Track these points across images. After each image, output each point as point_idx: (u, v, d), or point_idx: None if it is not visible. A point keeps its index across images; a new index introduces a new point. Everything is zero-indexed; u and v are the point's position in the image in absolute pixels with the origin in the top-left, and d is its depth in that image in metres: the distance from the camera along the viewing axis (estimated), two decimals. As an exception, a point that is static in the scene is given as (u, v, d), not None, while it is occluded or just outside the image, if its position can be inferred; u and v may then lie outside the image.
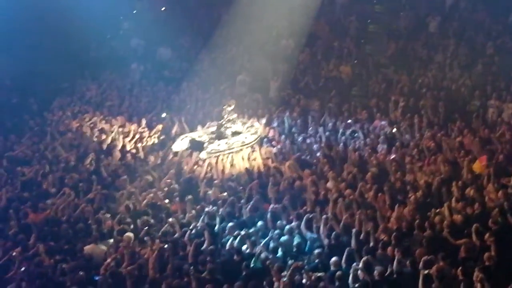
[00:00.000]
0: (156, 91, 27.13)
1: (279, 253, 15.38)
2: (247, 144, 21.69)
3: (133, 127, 23.49)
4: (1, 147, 21.85)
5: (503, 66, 25.59)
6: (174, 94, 26.80)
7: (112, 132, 22.74)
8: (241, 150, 21.45)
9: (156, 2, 33.44)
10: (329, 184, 18.39)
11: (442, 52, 27.81)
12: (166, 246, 15.13)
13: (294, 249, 15.55)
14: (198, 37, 31.43)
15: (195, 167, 20.72)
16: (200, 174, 20.19)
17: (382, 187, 17.70)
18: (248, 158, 21.02)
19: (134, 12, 33.31)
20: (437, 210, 16.34)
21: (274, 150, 21.69)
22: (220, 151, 21.23)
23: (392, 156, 19.79)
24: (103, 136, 22.43)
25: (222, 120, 22.17)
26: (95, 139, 22.30)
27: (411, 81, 26.16)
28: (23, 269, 14.75)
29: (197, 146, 21.48)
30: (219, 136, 21.83)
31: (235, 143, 21.56)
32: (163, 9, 33.46)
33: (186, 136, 22.10)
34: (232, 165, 20.79)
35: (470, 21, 29.57)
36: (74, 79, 27.69)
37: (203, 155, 21.08)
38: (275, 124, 23.83)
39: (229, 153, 21.26)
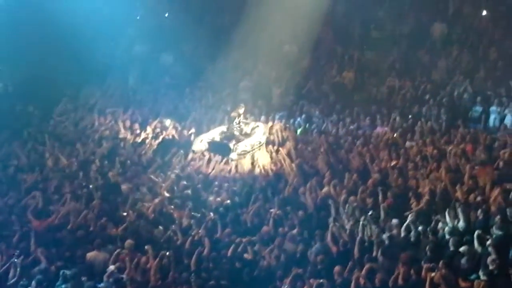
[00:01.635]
0: (159, 97, 27.11)
1: (282, 260, 15.39)
2: (263, 144, 22.16)
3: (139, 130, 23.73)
4: (5, 154, 21.82)
5: (505, 72, 25.60)
6: (177, 100, 26.77)
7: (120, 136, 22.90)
8: (259, 149, 21.95)
9: (159, 9, 33.46)
10: (328, 190, 18.42)
11: (445, 58, 27.81)
12: (167, 253, 15.13)
13: (298, 256, 15.56)
14: (201, 43, 31.41)
15: (224, 166, 21.14)
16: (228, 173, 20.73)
17: (385, 193, 17.75)
18: (271, 157, 21.59)
19: (137, 18, 33.35)
20: (439, 217, 16.34)
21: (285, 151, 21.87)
22: (248, 152, 21.64)
23: (394, 163, 19.78)
24: (108, 143, 22.43)
25: (234, 122, 22.32)
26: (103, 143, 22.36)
27: (414, 87, 26.16)
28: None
29: (218, 147, 21.79)
30: (231, 137, 22.01)
31: (255, 144, 21.94)
32: (166, 15, 33.50)
33: (202, 139, 22.21)
34: (256, 165, 21.31)
35: (473, 27, 29.57)
36: (77, 85, 27.67)
37: (233, 156, 21.33)
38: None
39: (253, 153, 21.75)
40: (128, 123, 24.17)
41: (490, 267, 14.10)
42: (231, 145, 21.53)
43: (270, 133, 23.16)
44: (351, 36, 31.04)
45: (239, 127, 22.26)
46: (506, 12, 29.15)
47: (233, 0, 33.17)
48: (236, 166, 21.10)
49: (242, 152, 21.51)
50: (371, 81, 27.40)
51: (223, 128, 22.72)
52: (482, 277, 13.89)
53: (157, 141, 22.92)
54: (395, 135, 22.29)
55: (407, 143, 21.49)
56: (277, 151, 21.87)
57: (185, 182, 19.65)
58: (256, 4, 30.09)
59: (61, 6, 27.71)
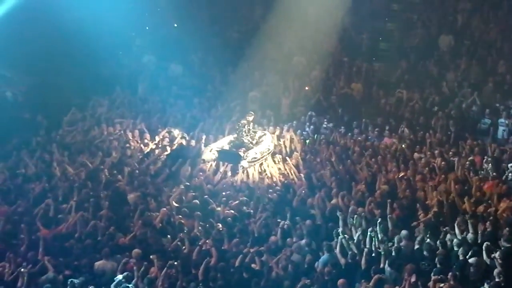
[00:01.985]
0: (168, 107, 27.14)
1: (290, 270, 15.37)
2: (271, 152, 22.35)
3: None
4: (14, 163, 21.85)
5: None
6: (185, 110, 26.79)
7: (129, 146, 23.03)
8: (268, 156, 22.18)
9: (168, 19, 33.54)
10: (336, 201, 18.42)
11: (454, 70, 27.81)
12: (175, 263, 15.13)
13: (305, 266, 15.55)
14: (209, 54, 31.47)
15: (232, 177, 21.18)
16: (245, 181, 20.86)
17: (393, 204, 17.77)
18: (279, 167, 21.63)
19: (146, 28, 33.44)
20: (448, 228, 16.34)
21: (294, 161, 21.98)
22: (258, 159, 21.82)
23: (402, 174, 19.78)
24: (116, 153, 22.45)
25: (243, 130, 22.46)
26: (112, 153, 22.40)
27: (422, 99, 26.16)
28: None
29: (228, 156, 21.91)
30: (240, 146, 22.18)
31: (264, 151, 22.12)
32: (175, 25, 33.58)
33: (212, 148, 22.37)
34: (266, 173, 21.42)
35: (481, 39, 29.56)
36: (86, 95, 27.71)
37: (244, 164, 21.47)
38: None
39: (262, 161, 21.93)
40: (136, 133, 24.17)
41: (497, 279, 14.09)
42: (241, 152, 21.65)
43: (278, 143, 23.20)
44: (359, 48, 31.05)
45: (248, 135, 22.39)
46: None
47: (242, 11, 33.33)
48: (246, 175, 21.11)
49: (253, 160, 21.66)
50: (379, 93, 27.38)
51: (231, 137, 22.80)
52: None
53: (165, 151, 22.91)
54: (403, 145, 22.30)
55: (415, 155, 21.48)
56: (285, 161, 21.89)
57: (193, 193, 19.61)
58: (265, 15, 30.23)
59: (71, 15, 27.86)
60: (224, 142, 22.72)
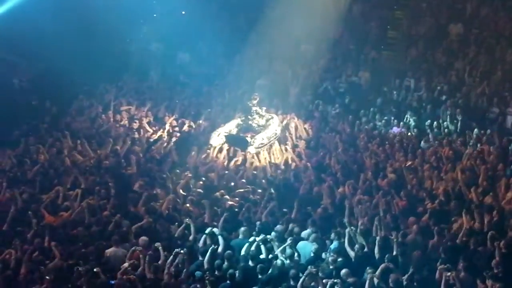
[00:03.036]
0: (175, 95, 27.11)
1: (296, 259, 15.36)
2: (278, 136, 22.41)
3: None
4: (21, 149, 21.87)
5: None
6: (193, 98, 26.77)
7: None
8: (274, 143, 22.18)
9: (176, 6, 33.46)
10: (343, 190, 18.39)
11: (462, 59, 27.72)
12: (181, 251, 15.12)
13: (312, 255, 15.53)
14: (217, 42, 31.42)
15: (250, 160, 21.28)
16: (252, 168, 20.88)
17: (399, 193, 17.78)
18: (286, 155, 21.68)
19: (154, 16, 33.39)
20: (456, 218, 16.32)
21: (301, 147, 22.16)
22: (265, 144, 21.81)
23: (409, 163, 19.74)
24: (123, 140, 22.46)
25: (250, 112, 22.68)
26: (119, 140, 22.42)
27: (430, 88, 26.08)
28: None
29: (235, 140, 22.02)
30: (247, 129, 22.43)
31: (271, 137, 22.13)
32: (183, 13, 33.51)
33: (220, 133, 22.39)
34: (273, 158, 21.57)
35: (490, 28, 29.46)
36: (93, 82, 27.70)
37: (251, 149, 21.50)
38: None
39: (270, 146, 21.97)
40: (144, 121, 24.19)
41: (495, 270, 14.10)
42: (248, 138, 21.69)
43: (285, 130, 23.19)
44: (367, 36, 30.98)
45: (254, 117, 22.51)
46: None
47: (250, -1, 33.24)
48: (251, 163, 21.08)
49: (260, 145, 21.67)
50: (387, 81, 27.31)
51: (239, 120, 22.95)
52: (487, 278, 13.84)
53: (172, 138, 22.90)
54: (408, 134, 22.25)
55: (423, 144, 21.44)
56: (293, 148, 21.90)
57: (200, 182, 19.60)
58: (273, 3, 30.11)
59: (78, 2, 27.84)
60: (231, 126, 22.78)
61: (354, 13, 32.03)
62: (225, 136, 22.15)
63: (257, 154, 21.46)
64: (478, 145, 20.92)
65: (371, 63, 28.85)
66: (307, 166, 20.43)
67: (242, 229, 16.48)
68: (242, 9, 32.84)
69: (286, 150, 21.81)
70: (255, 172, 20.47)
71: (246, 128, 22.43)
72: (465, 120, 23.19)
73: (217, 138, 22.17)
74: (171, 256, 14.96)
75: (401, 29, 31.35)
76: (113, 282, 14.54)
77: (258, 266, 14.83)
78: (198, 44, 31.32)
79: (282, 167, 20.65)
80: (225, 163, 21.14)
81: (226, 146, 21.91)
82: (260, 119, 22.76)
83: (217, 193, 18.83)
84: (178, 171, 20.55)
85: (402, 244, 15.29)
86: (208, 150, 21.92)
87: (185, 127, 23.85)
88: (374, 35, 30.97)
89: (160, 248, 15.41)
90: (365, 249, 15.44)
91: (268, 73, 28.66)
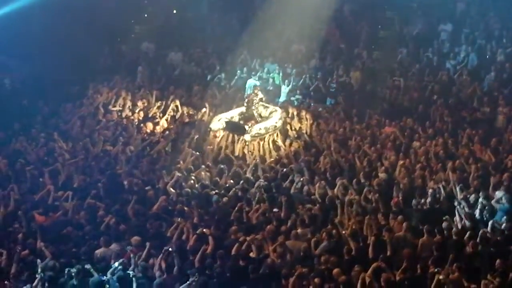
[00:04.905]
0: (167, 95, 27.04)
1: (287, 258, 15.37)
2: (278, 128, 22.56)
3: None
4: (12, 149, 21.85)
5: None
6: (185, 97, 26.72)
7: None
8: (273, 134, 22.33)
9: (167, 6, 33.48)
10: (334, 189, 18.40)
11: (453, 59, 27.78)
12: (170, 249, 15.13)
13: (301, 254, 15.54)
14: (209, 41, 31.44)
15: (242, 148, 21.72)
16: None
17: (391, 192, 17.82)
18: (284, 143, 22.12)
19: (145, 16, 33.41)
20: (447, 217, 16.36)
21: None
22: (262, 135, 22.00)
23: (401, 162, 19.75)
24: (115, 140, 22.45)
25: (253, 103, 22.91)
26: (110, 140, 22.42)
27: (421, 87, 26.12)
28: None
29: (235, 127, 22.31)
30: (249, 118, 22.70)
31: (269, 128, 22.28)
32: (174, 12, 33.52)
33: (221, 118, 22.70)
34: (272, 148, 21.84)
35: (481, 28, 29.55)
36: (84, 83, 27.67)
37: (247, 137, 21.78)
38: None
39: (268, 137, 22.13)
40: (135, 121, 24.18)
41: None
42: (247, 126, 21.97)
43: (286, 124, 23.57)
44: (358, 36, 31.07)
45: (258, 108, 22.87)
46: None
47: (241, -1, 33.33)
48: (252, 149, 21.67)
49: (256, 135, 21.87)
50: (378, 81, 27.33)
51: (243, 109, 23.17)
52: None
53: (165, 139, 22.87)
54: (397, 133, 22.27)
55: (414, 143, 21.47)
56: (290, 144, 22.11)
57: (191, 181, 19.57)
58: (264, 3, 30.15)
59: (69, 3, 27.83)
60: (234, 113, 23.09)
61: (345, 13, 32.12)
62: (225, 122, 22.44)
63: (254, 141, 21.84)
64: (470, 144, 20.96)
65: (362, 62, 28.85)
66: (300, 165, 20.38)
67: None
68: (234, 9, 32.90)
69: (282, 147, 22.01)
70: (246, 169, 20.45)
71: (248, 117, 22.73)
72: (456, 119, 23.22)
73: (217, 123, 22.48)
74: (161, 255, 15.00)
75: (392, 29, 31.42)
76: (104, 278, 14.54)
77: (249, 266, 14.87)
78: (189, 43, 31.29)
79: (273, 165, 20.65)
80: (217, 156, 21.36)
81: (224, 131, 22.28)
82: (264, 110, 23.11)
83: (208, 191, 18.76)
84: (170, 170, 20.47)
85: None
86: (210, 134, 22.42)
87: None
88: (365, 35, 31.03)
89: (149, 247, 15.45)
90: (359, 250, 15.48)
91: (260, 73, 28.62)
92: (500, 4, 30.04)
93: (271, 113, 23.03)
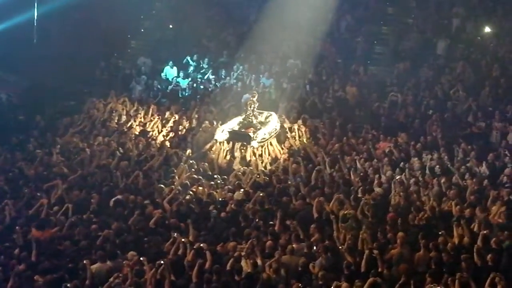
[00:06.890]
0: (164, 110, 27.05)
1: (282, 273, 15.33)
2: (278, 131, 23.52)
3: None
4: (9, 164, 21.85)
5: (508, 89, 25.68)
6: (181, 112, 26.73)
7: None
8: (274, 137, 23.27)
9: (163, 21, 33.60)
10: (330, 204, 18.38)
11: (448, 74, 27.85)
12: (162, 262, 15.07)
13: (299, 269, 15.50)
14: (204, 56, 31.50)
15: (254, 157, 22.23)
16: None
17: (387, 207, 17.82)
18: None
19: (141, 30, 33.51)
20: (443, 232, 16.33)
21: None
22: (267, 139, 22.83)
23: (397, 178, 19.76)
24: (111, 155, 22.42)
25: (249, 110, 23.40)
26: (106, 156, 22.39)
27: (416, 102, 26.19)
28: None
29: (240, 136, 22.86)
30: (248, 125, 23.20)
31: (272, 132, 23.20)
32: (170, 26, 33.62)
33: (223, 129, 23.15)
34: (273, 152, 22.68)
35: (476, 43, 29.66)
36: (81, 97, 27.69)
37: (255, 144, 22.43)
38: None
39: (270, 141, 22.95)
40: (131, 136, 24.18)
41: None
42: (251, 133, 22.52)
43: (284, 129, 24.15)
44: (354, 51, 31.18)
45: (254, 114, 23.34)
46: (509, 29, 29.24)
47: (237, 13, 33.39)
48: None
49: (262, 140, 22.64)
50: (373, 96, 27.39)
51: (240, 118, 23.64)
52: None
53: (160, 155, 22.82)
54: (392, 148, 22.30)
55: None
56: (288, 158, 22.21)
57: (187, 196, 19.53)
58: (260, 18, 30.26)
59: (65, 18, 27.88)
60: (233, 123, 23.50)
61: (341, 28, 32.21)
62: (228, 132, 22.89)
63: (261, 146, 22.54)
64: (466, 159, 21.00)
65: (358, 78, 28.91)
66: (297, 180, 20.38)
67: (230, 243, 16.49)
68: (230, 23, 33.00)
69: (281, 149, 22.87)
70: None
71: (247, 124, 23.20)
72: (451, 134, 23.28)
73: (221, 134, 22.92)
74: (154, 269, 14.97)
75: (387, 44, 31.55)
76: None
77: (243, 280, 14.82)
78: (185, 58, 31.33)
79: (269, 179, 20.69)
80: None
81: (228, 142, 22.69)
82: (259, 116, 23.66)
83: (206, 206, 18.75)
84: (166, 185, 20.43)
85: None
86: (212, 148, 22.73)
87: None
88: (361, 50, 31.13)
89: (145, 262, 15.40)
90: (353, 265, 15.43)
91: (256, 88, 28.63)
92: (494, 20, 30.17)
93: (267, 117, 23.79)
